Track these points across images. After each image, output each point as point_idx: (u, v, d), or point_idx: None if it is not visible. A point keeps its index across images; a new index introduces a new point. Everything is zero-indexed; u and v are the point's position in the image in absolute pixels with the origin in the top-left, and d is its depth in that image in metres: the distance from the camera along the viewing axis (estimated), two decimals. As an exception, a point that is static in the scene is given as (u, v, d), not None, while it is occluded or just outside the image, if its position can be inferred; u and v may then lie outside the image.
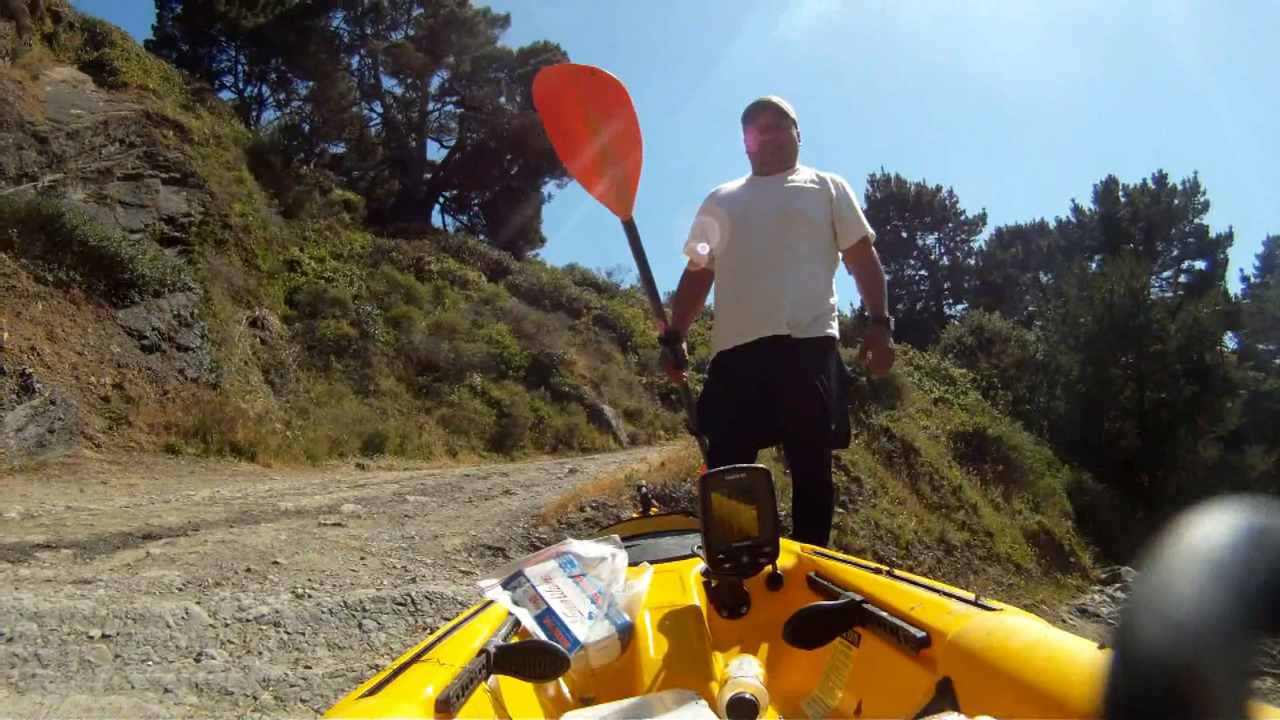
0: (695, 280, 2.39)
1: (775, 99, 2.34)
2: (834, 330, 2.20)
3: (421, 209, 20.04)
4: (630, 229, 2.14)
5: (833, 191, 2.25)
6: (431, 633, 0.88)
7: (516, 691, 0.85)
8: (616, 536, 1.18)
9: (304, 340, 10.12)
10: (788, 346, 2.11)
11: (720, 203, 2.32)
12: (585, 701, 0.92)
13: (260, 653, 2.21)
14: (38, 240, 6.77)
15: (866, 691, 0.85)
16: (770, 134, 2.29)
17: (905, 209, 26.28)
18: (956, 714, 0.61)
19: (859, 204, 2.28)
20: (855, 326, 24.68)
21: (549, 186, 21.98)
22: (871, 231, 2.24)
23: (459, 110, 20.96)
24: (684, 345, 2.31)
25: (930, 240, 26.74)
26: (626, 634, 0.97)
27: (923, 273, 26.98)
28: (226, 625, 2.35)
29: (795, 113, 2.35)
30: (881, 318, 2.15)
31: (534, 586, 0.99)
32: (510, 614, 0.94)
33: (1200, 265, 24.01)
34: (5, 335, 5.89)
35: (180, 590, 2.61)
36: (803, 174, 2.30)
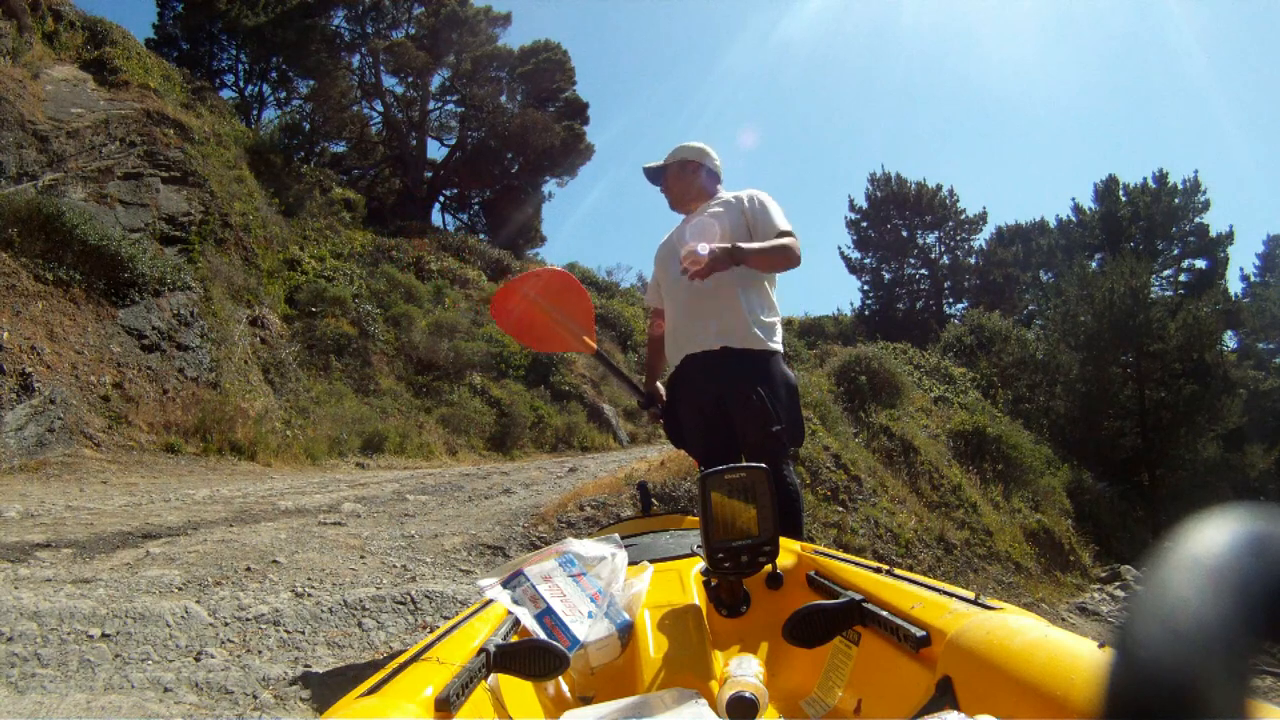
0: (654, 342, 2.65)
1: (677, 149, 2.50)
2: (774, 344, 2.26)
3: (422, 208, 20.03)
4: (601, 357, 2.47)
5: (745, 205, 2.32)
6: (431, 631, 0.88)
7: (516, 690, 0.85)
8: (616, 535, 1.18)
9: (304, 339, 10.12)
10: (713, 358, 2.25)
11: (658, 252, 2.54)
12: (585, 700, 0.92)
13: (260, 652, 2.21)
14: (38, 239, 6.76)
15: (866, 690, 0.85)
16: (667, 184, 2.50)
17: (905, 208, 26.21)
18: (956, 713, 0.61)
19: (777, 211, 2.30)
20: (855, 325, 24.67)
21: (549, 185, 22.01)
22: (788, 227, 2.25)
23: (460, 109, 20.95)
24: (662, 394, 2.54)
25: (930, 239, 26.66)
26: (626, 633, 0.97)
27: (923, 272, 26.90)
28: (226, 624, 2.35)
29: (698, 148, 2.49)
30: (737, 245, 2.13)
31: (534, 586, 0.99)
32: (510, 613, 0.94)
33: (1200, 264, 23.96)
34: (5, 335, 5.89)
35: (180, 589, 2.61)
36: (719, 200, 2.41)
